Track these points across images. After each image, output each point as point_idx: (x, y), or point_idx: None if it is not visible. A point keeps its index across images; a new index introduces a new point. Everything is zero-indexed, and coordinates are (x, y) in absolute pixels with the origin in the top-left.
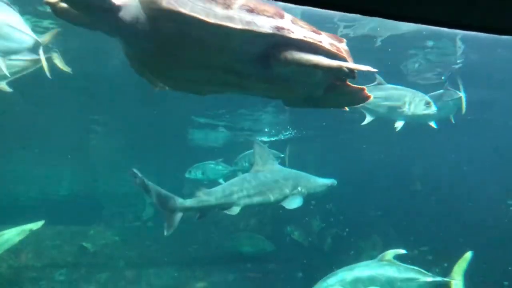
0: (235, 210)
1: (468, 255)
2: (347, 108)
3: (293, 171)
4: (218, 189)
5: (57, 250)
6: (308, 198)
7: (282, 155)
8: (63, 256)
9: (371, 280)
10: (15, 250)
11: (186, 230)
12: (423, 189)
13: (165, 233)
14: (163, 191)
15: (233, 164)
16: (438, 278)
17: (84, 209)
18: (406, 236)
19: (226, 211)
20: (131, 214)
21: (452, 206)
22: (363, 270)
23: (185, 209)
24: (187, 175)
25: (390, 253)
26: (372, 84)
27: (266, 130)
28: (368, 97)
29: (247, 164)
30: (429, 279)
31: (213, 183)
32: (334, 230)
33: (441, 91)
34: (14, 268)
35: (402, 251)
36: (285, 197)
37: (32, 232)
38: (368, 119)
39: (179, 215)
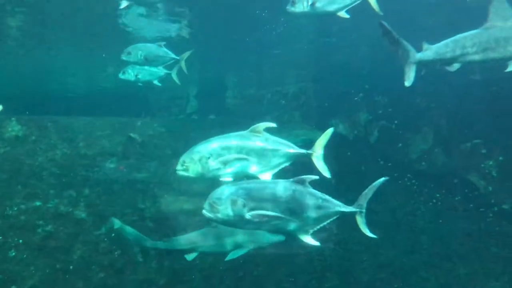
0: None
1: (330, 131)
2: None
3: None
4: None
5: (107, 140)
6: None
7: None
8: (113, 145)
9: (239, 148)
10: (67, 139)
11: (230, 123)
12: (483, 78)
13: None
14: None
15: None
16: (302, 151)
17: (131, 102)
18: (459, 128)
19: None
20: (176, 108)
21: None
22: (231, 139)
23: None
24: (121, 76)
25: (262, 125)
26: None
27: None
28: None
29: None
30: (292, 150)
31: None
32: (381, 123)
33: None
34: (68, 155)
35: (273, 124)
36: None
37: (84, 122)
38: None
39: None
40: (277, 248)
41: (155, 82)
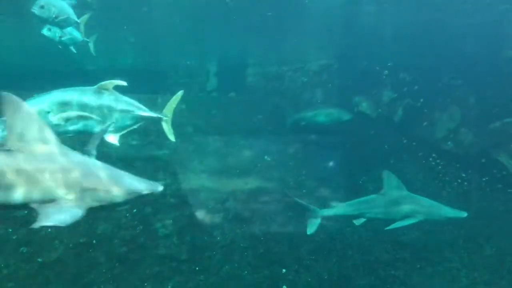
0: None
1: (180, 93)
2: None
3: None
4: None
5: None
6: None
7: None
8: None
9: (83, 106)
10: None
11: (250, 101)
12: None
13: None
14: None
15: None
16: (153, 114)
17: (150, 79)
18: (489, 107)
19: None
20: (196, 85)
21: None
22: (77, 93)
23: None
24: (44, 32)
25: (110, 83)
26: None
27: None
28: None
29: None
30: (145, 113)
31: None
32: (406, 101)
33: None
34: None
35: (123, 83)
36: None
37: None
38: None
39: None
40: (298, 226)
41: (72, 48)
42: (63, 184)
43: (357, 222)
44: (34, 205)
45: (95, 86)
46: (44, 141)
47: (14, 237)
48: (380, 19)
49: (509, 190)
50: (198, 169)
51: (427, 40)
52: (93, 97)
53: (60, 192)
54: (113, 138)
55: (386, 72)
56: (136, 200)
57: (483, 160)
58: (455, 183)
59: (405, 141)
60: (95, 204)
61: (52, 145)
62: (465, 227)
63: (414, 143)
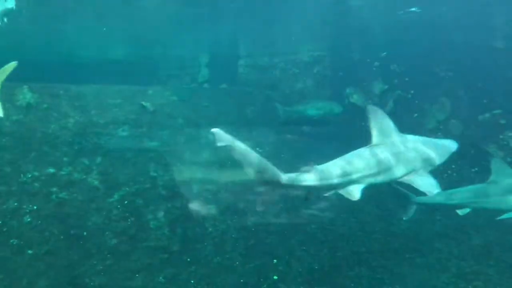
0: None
1: (13, 64)
2: None
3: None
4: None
5: (118, 108)
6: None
7: None
8: (125, 114)
9: None
10: (79, 107)
11: (242, 92)
12: (507, 45)
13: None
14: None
15: None
16: None
17: (141, 70)
18: (478, 99)
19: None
20: (188, 76)
21: None
22: None
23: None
24: None
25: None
26: None
27: None
28: None
29: None
30: None
31: None
32: (397, 92)
33: None
34: (80, 123)
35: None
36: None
37: (96, 90)
38: None
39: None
40: (289, 217)
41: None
42: (416, 160)
43: (462, 212)
44: (404, 178)
45: None
46: (392, 134)
47: (4, 229)
48: (371, 11)
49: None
50: (189, 161)
51: (418, 32)
52: None
53: (418, 165)
54: None
55: (376, 63)
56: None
57: (472, 151)
58: (445, 174)
59: None
60: (430, 168)
61: (397, 137)
62: (455, 218)
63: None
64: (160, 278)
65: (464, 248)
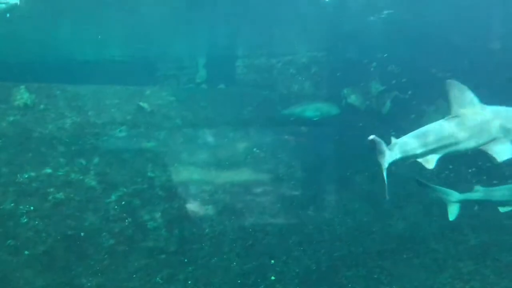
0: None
1: None
2: None
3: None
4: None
5: (116, 109)
6: None
7: None
8: (122, 114)
9: None
10: (76, 107)
11: (240, 93)
12: (504, 47)
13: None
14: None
15: None
16: None
17: (138, 71)
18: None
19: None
20: (185, 77)
21: None
22: None
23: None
24: None
25: None
26: None
27: None
28: None
29: None
30: None
31: None
32: (394, 93)
33: None
34: (77, 124)
35: None
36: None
37: (93, 90)
38: None
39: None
40: (287, 217)
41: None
42: (495, 129)
43: (503, 209)
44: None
45: None
46: (473, 105)
47: (1, 230)
48: (370, 11)
49: (494, 182)
50: (187, 161)
51: (416, 33)
52: None
53: (498, 135)
54: None
55: (374, 64)
56: None
57: (468, 152)
58: (443, 175)
59: (393, 133)
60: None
61: (477, 108)
62: None
63: (402, 135)
64: (157, 278)
65: (461, 249)
